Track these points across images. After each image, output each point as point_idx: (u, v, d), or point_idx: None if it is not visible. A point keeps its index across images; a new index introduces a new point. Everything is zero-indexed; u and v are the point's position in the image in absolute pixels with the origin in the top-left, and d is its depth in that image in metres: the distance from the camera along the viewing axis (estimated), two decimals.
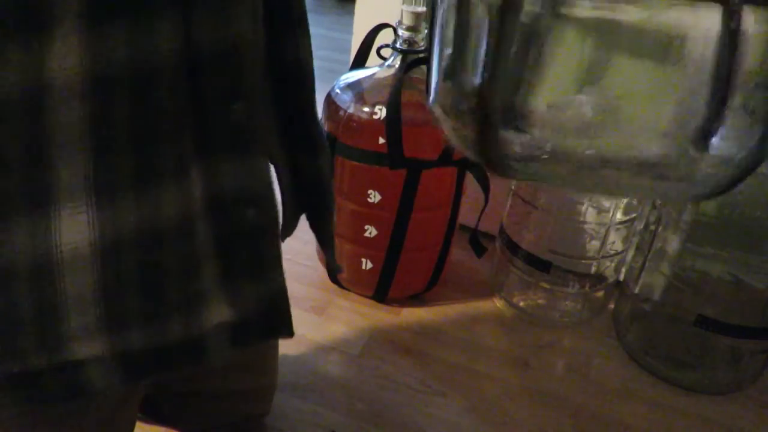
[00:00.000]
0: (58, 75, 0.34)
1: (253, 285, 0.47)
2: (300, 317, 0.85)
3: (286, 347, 0.80)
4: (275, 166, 0.53)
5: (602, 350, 0.84)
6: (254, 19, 0.41)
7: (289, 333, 0.51)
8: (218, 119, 0.40)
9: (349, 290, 0.91)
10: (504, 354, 0.83)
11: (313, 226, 0.60)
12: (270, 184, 0.45)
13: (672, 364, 0.79)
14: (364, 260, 0.85)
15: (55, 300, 0.39)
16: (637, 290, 0.82)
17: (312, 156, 0.54)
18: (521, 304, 0.90)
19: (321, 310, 0.87)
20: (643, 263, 0.80)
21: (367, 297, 0.89)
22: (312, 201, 0.57)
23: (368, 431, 0.70)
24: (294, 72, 0.49)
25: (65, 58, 0.34)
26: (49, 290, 0.39)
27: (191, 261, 0.43)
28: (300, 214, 0.59)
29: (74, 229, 0.38)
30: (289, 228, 0.59)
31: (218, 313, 0.45)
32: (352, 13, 1.07)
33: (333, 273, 0.90)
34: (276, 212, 0.46)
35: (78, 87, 0.35)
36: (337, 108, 0.78)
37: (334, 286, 0.91)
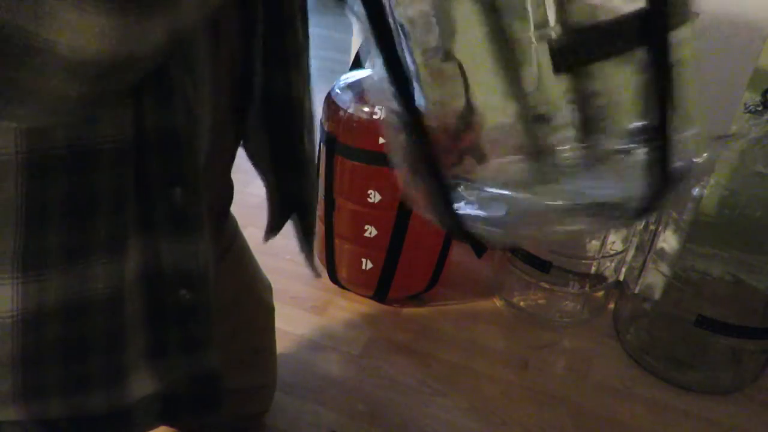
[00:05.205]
0: None
1: (183, 362, 0.47)
2: (300, 317, 0.85)
3: (286, 347, 0.80)
4: (264, 181, 0.56)
5: (602, 350, 0.84)
6: (196, 111, 0.41)
7: (217, 413, 0.51)
8: (159, 200, 0.41)
9: (349, 290, 0.91)
10: (504, 354, 0.83)
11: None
12: (207, 265, 0.45)
13: (672, 364, 0.79)
14: (364, 260, 0.85)
15: None
16: (637, 290, 0.82)
17: (296, 176, 0.56)
18: (521, 304, 0.90)
19: (321, 310, 0.87)
20: (643, 263, 0.80)
21: (367, 297, 0.89)
22: (291, 215, 0.59)
23: (368, 431, 0.70)
24: (285, 108, 0.51)
25: (1, 137, 0.34)
26: None
27: (117, 335, 0.43)
28: (286, 220, 0.60)
29: None
30: (276, 229, 0.60)
31: (144, 386, 0.46)
32: None
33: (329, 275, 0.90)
34: (210, 294, 0.46)
35: (13, 166, 0.35)
36: (337, 108, 0.78)
37: (334, 286, 0.91)
